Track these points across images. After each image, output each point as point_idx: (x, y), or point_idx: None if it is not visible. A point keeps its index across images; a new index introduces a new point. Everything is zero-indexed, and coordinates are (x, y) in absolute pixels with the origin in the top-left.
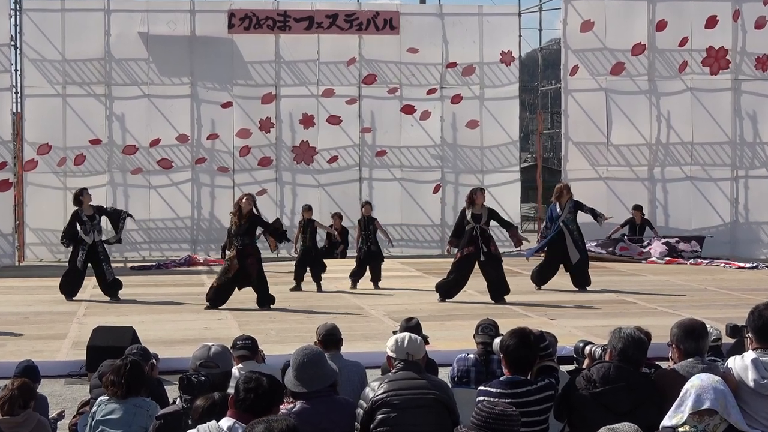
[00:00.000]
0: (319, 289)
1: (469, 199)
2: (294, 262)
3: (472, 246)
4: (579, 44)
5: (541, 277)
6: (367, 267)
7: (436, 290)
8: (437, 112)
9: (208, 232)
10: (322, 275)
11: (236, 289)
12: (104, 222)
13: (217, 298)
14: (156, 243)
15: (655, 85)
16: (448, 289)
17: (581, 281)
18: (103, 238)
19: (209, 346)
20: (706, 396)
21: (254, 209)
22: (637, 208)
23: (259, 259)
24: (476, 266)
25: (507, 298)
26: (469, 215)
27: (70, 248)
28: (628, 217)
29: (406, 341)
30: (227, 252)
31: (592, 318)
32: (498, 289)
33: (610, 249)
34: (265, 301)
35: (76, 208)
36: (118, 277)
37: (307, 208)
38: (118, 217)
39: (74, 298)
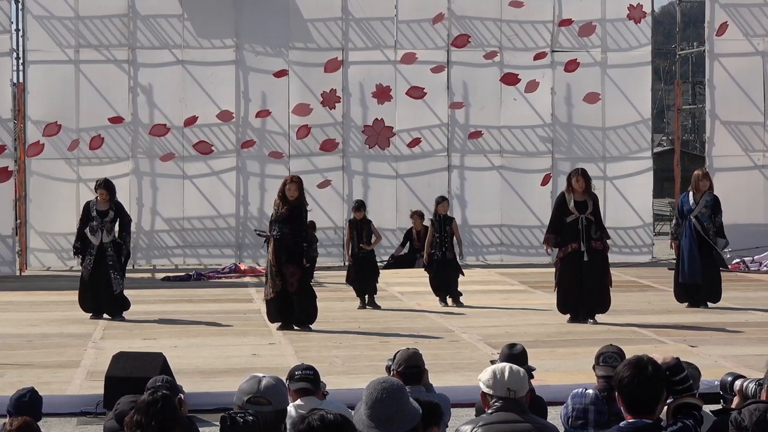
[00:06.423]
0: (374, 307)
1: (568, 184)
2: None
3: (576, 243)
4: None
5: (683, 290)
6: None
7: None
8: (547, 83)
9: None
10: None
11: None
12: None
13: (280, 312)
14: (192, 248)
15: None
16: (568, 307)
17: (707, 295)
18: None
19: (259, 377)
20: None
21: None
22: None
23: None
24: None
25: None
26: (571, 203)
27: (79, 259)
28: None
29: (506, 374)
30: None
31: (744, 345)
32: (595, 301)
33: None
34: (307, 317)
35: (91, 199)
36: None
37: (359, 206)
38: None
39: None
